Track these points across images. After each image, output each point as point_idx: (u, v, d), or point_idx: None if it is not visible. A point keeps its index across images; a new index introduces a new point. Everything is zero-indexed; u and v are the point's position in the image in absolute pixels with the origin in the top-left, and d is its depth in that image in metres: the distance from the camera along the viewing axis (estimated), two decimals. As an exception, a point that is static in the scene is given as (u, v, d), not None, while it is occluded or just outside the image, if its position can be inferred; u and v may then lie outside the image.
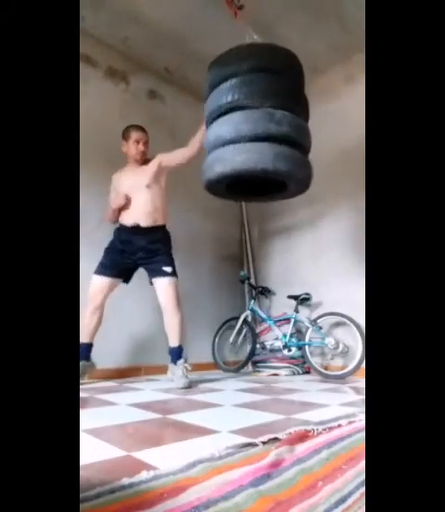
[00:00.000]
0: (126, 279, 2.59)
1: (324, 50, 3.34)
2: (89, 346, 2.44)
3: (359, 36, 3.02)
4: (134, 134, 2.55)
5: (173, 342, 2.45)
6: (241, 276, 3.70)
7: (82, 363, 2.37)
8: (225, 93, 1.86)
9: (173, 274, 2.49)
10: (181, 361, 2.40)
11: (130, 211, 2.52)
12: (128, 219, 2.51)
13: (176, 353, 2.43)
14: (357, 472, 0.85)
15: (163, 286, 2.45)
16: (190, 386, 2.30)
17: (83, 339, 2.41)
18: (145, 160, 2.62)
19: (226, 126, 1.85)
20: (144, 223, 2.49)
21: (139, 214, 2.49)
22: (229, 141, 1.82)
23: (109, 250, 2.51)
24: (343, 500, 0.72)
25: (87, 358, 2.43)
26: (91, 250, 2.73)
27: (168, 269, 2.47)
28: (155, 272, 2.48)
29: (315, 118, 3.62)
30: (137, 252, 2.49)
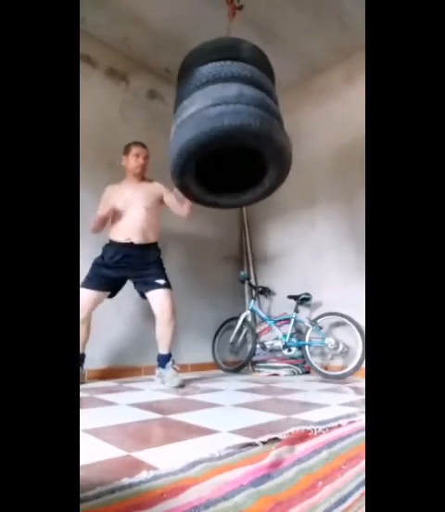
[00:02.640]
0: (112, 294, 2.58)
1: (324, 50, 3.34)
2: (82, 357, 2.45)
3: (359, 36, 3.02)
4: (135, 149, 2.61)
5: (163, 350, 2.51)
6: (241, 276, 3.70)
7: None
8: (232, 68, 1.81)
9: (167, 285, 2.53)
10: (169, 363, 2.48)
11: (122, 228, 2.51)
12: (120, 235, 2.51)
13: (165, 359, 2.50)
14: (357, 472, 0.85)
15: (158, 297, 2.49)
16: (184, 384, 2.38)
17: None
18: (142, 177, 2.65)
19: (217, 91, 1.74)
20: (137, 240, 2.50)
21: (133, 231, 2.50)
22: (214, 104, 1.69)
23: (97, 265, 2.50)
24: (343, 500, 0.72)
25: (81, 366, 2.46)
26: (91, 251, 2.73)
27: (161, 281, 2.51)
28: (148, 285, 2.51)
29: (315, 117, 3.65)
30: (128, 268, 2.50)
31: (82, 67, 3.00)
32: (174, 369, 2.46)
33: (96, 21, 2.99)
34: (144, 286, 2.54)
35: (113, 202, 2.52)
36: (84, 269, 2.56)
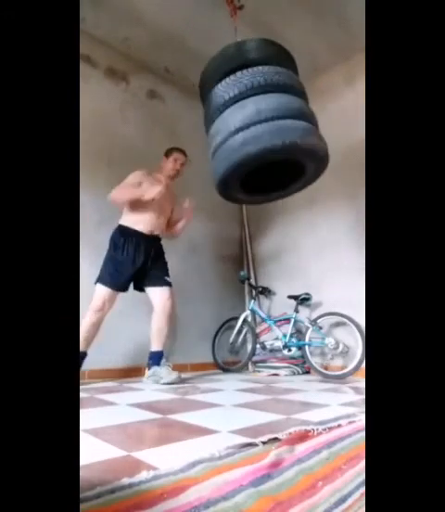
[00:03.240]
0: (126, 288, 2.61)
1: (325, 50, 3.34)
2: (84, 355, 2.39)
3: (359, 36, 3.02)
4: (176, 154, 2.70)
5: (158, 347, 2.53)
6: (241, 276, 3.70)
7: None
8: (243, 80, 1.83)
9: (171, 284, 2.62)
10: (163, 360, 2.51)
11: (149, 220, 2.57)
12: (144, 226, 2.55)
13: (158, 356, 2.52)
14: (357, 472, 0.85)
15: (164, 295, 2.53)
16: (181, 379, 2.43)
17: (83, 347, 2.37)
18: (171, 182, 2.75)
19: (248, 109, 1.79)
20: (157, 232, 2.63)
21: (156, 225, 2.61)
22: (236, 130, 1.77)
23: (121, 263, 2.45)
24: (343, 500, 0.72)
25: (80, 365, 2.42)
26: (91, 251, 2.74)
27: (169, 279, 2.60)
28: (157, 279, 2.56)
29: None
30: (145, 260, 2.55)
31: (82, 67, 3.00)
32: (169, 366, 2.48)
33: (96, 21, 2.99)
34: (150, 280, 2.55)
35: (152, 189, 2.50)
36: (84, 270, 2.56)
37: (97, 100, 3.09)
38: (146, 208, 2.53)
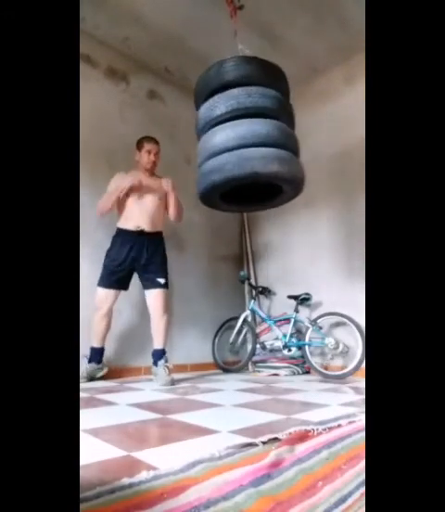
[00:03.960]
0: (127, 287, 2.66)
1: (325, 51, 3.34)
2: (101, 350, 2.57)
3: (359, 37, 3.02)
4: (147, 145, 2.64)
5: (157, 345, 2.56)
6: (241, 276, 3.70)
7: (92, 365, 2.50)
8: (218, 105, 1.90)
9: (166, 285, 2.60)
10: (162, 361, 2.50)
11: (133, 215, 2.56)
12: (130, 223, 2.56)
13: (158, 355, 2.54)
14: (357, 472, 0.85)
15: (154, 296, 2.56)
16: (173, 383, 2.41)
17: (95, 343, 2.55)
18: (152, 173, 2.69)
19: (218, 136, 1.89)
20: (147, 227, 2.57)
21: (143, 219, 2.56)
22: (220, 151, 1.86)
23: (110, 263, 2.56)
24: (343, 500, 0.72)
25: (99, 361, 2.56)
26: (91, 250, 2.74)
27: (161, 280, 2.57)
28: (149, 281, 2.57)
29: (315, 118, 3.65)
30: (138, 257, 2.54)
31: (82, 67, 3.00)
32: (166, 367, 2.48)
33: (96, 21, 2.99)
34: (145, 282, 2.60)
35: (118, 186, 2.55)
36: (84, 268, 2.56)
37: (97, 100, 3.09)
38: (130, 206, 2.57)
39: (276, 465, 0.87)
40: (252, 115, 1.86)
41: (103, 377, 2.59)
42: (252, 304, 3.52)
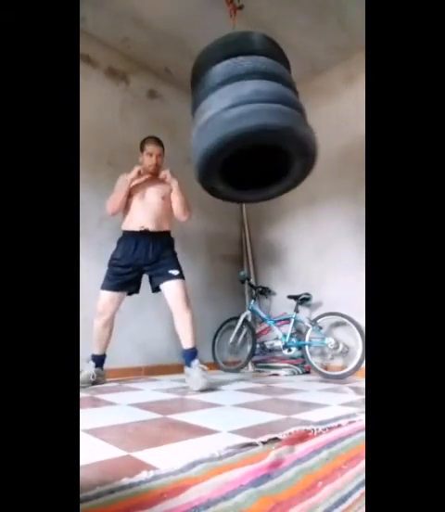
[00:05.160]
0: (136, 290, 2.55)
1: (324, 50, 3.34)
2: (103, 357, 2.47)
3: (358, 36, 3.02)
4: (148, 147, 2.54)
5: (186, 344, 2.38)
6: (241, 276, 3.69)
7: (97, 370, 2.40)
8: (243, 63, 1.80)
9: (180, 276, 2.46)
10: (196, 362, 2.32)
11: (137, 216, 2.49)
12: (134, 224, 2.48)
13: (190, 355, 2.36)
14: (357, 472, 0.85)
15: (171, 288, 2.42)
16: (210, 387, 2.20)
17: (97, 351, 2.44)
18: (156, 175, 2.58)
19: (232, 92, 1.74)
20: (151, 227, 2.47)
21: (147, 219, 2.47)
22: (232, 105, 1.69)
23: (112, 265, 2.47)
24: (343, 500, 0.72)
25: (101, 367, 2.46)
26: (90, 250, 2.74)
27: (174, 272, 2.45)
28: (162, 276, 2.45)
29: (315, 118, 3.62)
30: (144, 257, 2.45)
31: (82, 67, 3.00)
32: (202, 369, 2.29)
33: (96, 21, 2.99)
34: (157, 278, 2.47)
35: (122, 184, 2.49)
36: (84, 268, 2.56)
37: (97, 100, 3.09)
38: (133, 206, 2.50)
39: (276, 465, 0.87)
40: (279, 82, 1.80)
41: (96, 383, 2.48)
42: (252, 304, 3.52)
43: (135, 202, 2.51)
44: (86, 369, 2.36)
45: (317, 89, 3.64)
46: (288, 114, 1.71)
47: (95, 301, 2.48)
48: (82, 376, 2.31)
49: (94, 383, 2.35)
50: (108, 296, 2.43)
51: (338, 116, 3.42)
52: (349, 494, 0.74)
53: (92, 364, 2.39)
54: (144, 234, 2.46)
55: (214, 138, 1.70)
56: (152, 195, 2.52)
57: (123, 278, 2.45)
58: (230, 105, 1.69)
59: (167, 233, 2.58)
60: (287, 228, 3.75)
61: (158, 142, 2.58)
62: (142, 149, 2.58)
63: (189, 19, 2.97)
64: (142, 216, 2.48)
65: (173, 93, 3.67)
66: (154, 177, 2.57)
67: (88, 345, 2.47)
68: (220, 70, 1.84)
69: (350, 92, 3.33)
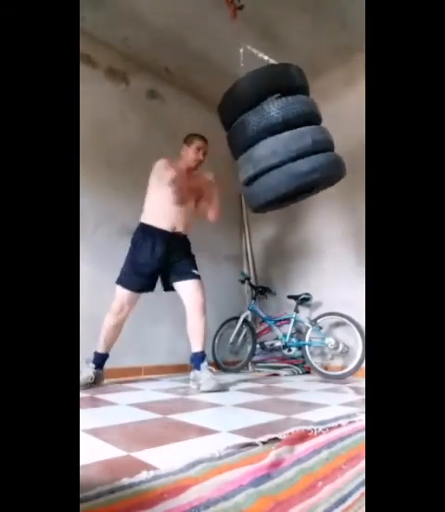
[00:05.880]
0: (153, 289, 2.46)
1: (325, 51, 3.34)
2: (105, 356, 2.41)
3: (359, 37, 3.02)
4: (198, 142, 2.47)
5: (196, 347, 2.35)
6: (241, 276, 3.69)
7: (97, 371, 2.33)
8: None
9: (200, 277, 2.44)
10: (205, 364, 2.30)
11: (169, 215, 2.38)
12: (166, 222, 2.37)
13: (199, 359, 2.33)
14: (357, 472, 0.85)
15: (192, 288, 2.37)
16: (222, 388, 2.18)
17: (101, 349, 2.38)
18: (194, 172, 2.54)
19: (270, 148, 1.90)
20: (181, 229, 2.42)
21: (178, 221, 2.40)
22: (296, 157, 1.87)
23: (140, 264, 2.35)
24: (343, 500, 0.72)
25: (101, 367, 2.39)
26: (91, 251, 2.74)
27: (196, 271, 2.42)
28: (183, 274, 2.39)
29: (315, 118, 3.64)
30: (169, 259, 2.38)
31: (82, 67, 2.99)
32: (210, 370, 2.26)
33: (96, 21, 2.99)
34: (177, 275, 2.40)
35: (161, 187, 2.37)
36: (84, 270, 2.56)
37: (97, 100, 3.09)
38: (167, 203, 2.37)
39: (276, 465, 0.87)
40: (316, 123, 1.99)
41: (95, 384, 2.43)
42: (252, 304, 3.52)
43: (169, 200, 2.36)
44: (85, 372, 2.29)
45: (318, 90, 3.62)
46: (340, 161, 2.03)
47: (95, 301, 2.47)
48: (81, 378, 2.23)
49: (92, 385, 2.28)
50: (127, 296, 2.34)
51: (339, 117, 3.41)
52: (349, 494, 0.74)
53: (92, 365, 2.33)
54: (173, 235, 2.39)
55: (281, 188, 1.92)
56: (189, 196, 2.45)
57: (148, 279, 2.38)
58: (293, 157, 1.87)
59: (187, 237, 2.55)
60: (288, 228, 3.75)
61: (206, 141, 2.52)
62: (189, 143, 2.49)
63: (189, 19, 2.97)
64: (174, 216, 2.39)
65: (173, 93, 3.67)
66: (190, 176, 2.49)
67: (86, 347, 2.46)
68: (273, 108, 1.90)
69: (351, 93, 3.33)
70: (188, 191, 2.44)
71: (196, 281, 2.39)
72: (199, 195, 2.55)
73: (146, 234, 2.37)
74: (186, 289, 2.39)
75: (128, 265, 2.37)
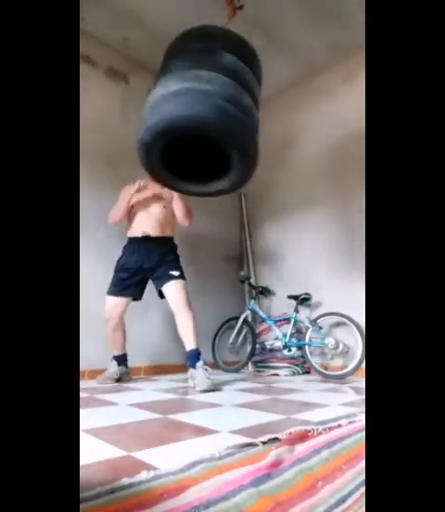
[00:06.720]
0: (139, 295, 2.60)
1: (324, 49, 3.34)
2: (124, 356, 2.61)
3: (358, 35, 3.02)
4: None
5: (189, 345, 2.39)
6: (241, 276, 3.69)
7: (121, 368, 2.57)
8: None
9: (181, 276, 2.51)
10: (200, 363, 2.32)
11: (140, 223, 2.57)
12: (137, 230, 2.56)
13: (194, 356, 2.35)
14: (357, 472, 0.85)
15: (171, 289, 2.47)
16: (215, 388, 2.20)
17: (116, 352, 2.58)
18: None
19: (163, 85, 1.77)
20: (153, 233, 2.54)
21: (150, 225, 2.55)
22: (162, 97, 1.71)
23: (117, 271, 2.54)
24: (343, 500, 0.72)
25: (125, 365, 2.62)
26: (90, 250, 2.74)
27: (175, 273, 2.50)
28: (162, 278, 2.50)
29: (314, 117, 3.65)
30: (146, 261, 2.51)
31: (82, 67, 3.00)
32: (206, 370, 2.28)
33: (96, 21, 2.99)
34: (159, 281, 2.53)
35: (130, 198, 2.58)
36: (84, 268, 2.56)
37: (97, 100, 3.09)
38: (137, 214, 2.59)
39: (276, 465, 0.87)
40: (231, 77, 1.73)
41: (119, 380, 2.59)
42: (252, 304, 3.52)
43: (138, 211, 2.60)
44: (110, 368, 2.54)
45: (317, 89, 3.64)
46: (238, 120, 1.63)
47: (96, 301, 2.50)
48: (107, 374, 2.51)
49: (118, 380, 2.53)
50: (112, 301, 2.50)
51: (338, 116, 3.42)
52: (349, 494, 0.74)
53: (114, 363, 2.56)
54: (146, 239, 2.53)
55: (136, 142, 1.74)
56: (154, 204, 2.61)
57: (127, 283, 2.52)
58: (187, 88, 1.65)
59: (169, 238, 2.65)
60: (287, 228, 3.75)
61: None
62: None
63: (189, 19, 2.96)
64: (144, 223, 2.56)
65: (173, 93, 3.67)
66: (154, 184, 2.57)
67: (88, 345, 2.47)
68: (186, 52, 1.83)
69: (350, 91, 3.33)
70: (153, 200, 2.60)
71: (174, 282, 2.48)
72: (170, 200, 2.65)
73: (126, 245, 2.60)
74: (168, 292, 2.49)
75: (113, 275, 2.56)
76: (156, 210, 2.60)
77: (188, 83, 1.67)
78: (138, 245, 2.54)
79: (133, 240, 2.58)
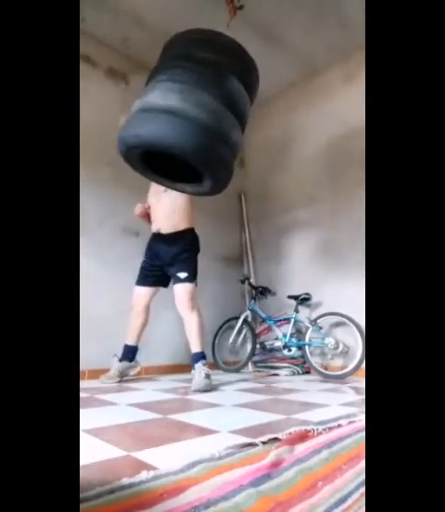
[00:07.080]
0: (164, 285, 2.67)
1: (324, 49, 3.34)
2: (134, 348, 2.60)
3: (358, 35, 3.02)
4: None
5: (194, 348, 2.43)
6: (241, 276, 3.69)
7: (123, 363, 2.55)
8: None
9: (187, 279, 2.48)
10: (198, 364, 2.35)
11: (155, 218, 2.62)
12: (154, 226, 2.62)
13: (196, 358, 2.40)
14: (357, 472, 0.85)
15: (177, 292, 2.50)
16: (207, 389, 2.20)
17: (129, 341, 2.59)
18: None
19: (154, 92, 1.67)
20: (164, 229, 2.56)
21: (162, 220, 2.58)
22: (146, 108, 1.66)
23: (143, 262, 2.63)
24: (343, 500, 0.72)
25: (131, 359, 2.59)
26: (90, 250, 2.74)
27: (182, 275, 2.49)
28: (173, 279, 2.56)
29: (314, 117, 3.65)
30: (161, 257, 2.57)
31: (82, 67, 3.00)
32: (203, 371, 2.29)
33: (96, 21, 2.99)
34: (167, 281, 2.63)
35: (149, 194, 2.67)
36: (84, 268, 2.56)
37: (97, 100, 3.09)
38: (153, 211, 2.65)
39: (276, 465, 0.87)
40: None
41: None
42: (252, 304, 3.52)
43: (153, 207, 2.64)
44: (113, 366, 2.54)
45: (317, 88, 3.64)
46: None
47: (96, 301, 2.51)
48: (111, 373, 2.51)
49: (122, 377, 2.54)
50: (138, 290, 2.60)
51: (338, 115, 3.42)
52: (349, 494, 0.74)
53: (115, 359, 2.54)
54: (159, 236, 2.58)
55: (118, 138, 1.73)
56: (165, 198, 2.60)
57: (149, 275, 2.60)
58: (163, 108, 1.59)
59: (186, 231, 2.57)
60: (287, 228, 3.75)
61: None
62: None
63: (189, 20, 2.96)
64: (158, 219, 2.61)
65: (173, 93, 3.67)
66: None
67: (88, 345, 2.47)
68: (177, 60, 1.71)
69: (350, 91, 3.33)
70: (166, 198, 2.59)
71: (180, 285, 2.50)
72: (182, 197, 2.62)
73: (149, 239, 2.67)
74: (175, 294, 2.53)
75: (140, 266, 2.65)
76: (165, 205, 2.58)
77: (173, 100, 1.57)
78: (154, 242, 2.61)
79: (152, 236, 2.65)
